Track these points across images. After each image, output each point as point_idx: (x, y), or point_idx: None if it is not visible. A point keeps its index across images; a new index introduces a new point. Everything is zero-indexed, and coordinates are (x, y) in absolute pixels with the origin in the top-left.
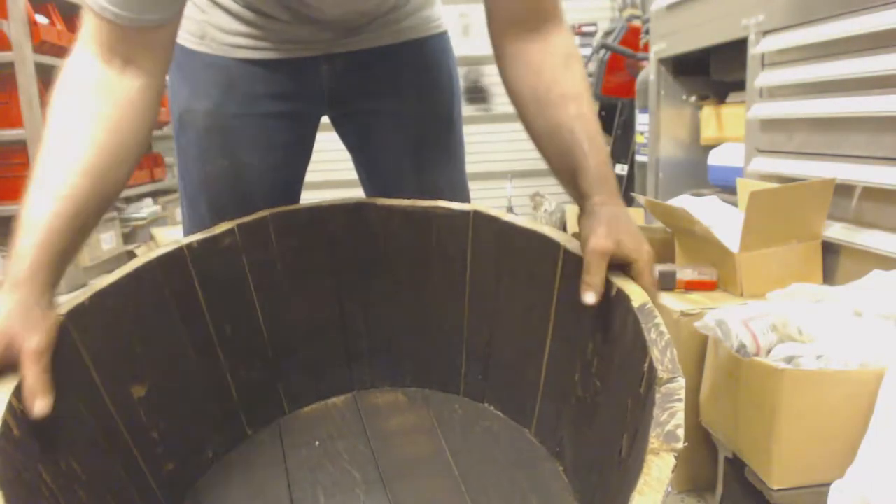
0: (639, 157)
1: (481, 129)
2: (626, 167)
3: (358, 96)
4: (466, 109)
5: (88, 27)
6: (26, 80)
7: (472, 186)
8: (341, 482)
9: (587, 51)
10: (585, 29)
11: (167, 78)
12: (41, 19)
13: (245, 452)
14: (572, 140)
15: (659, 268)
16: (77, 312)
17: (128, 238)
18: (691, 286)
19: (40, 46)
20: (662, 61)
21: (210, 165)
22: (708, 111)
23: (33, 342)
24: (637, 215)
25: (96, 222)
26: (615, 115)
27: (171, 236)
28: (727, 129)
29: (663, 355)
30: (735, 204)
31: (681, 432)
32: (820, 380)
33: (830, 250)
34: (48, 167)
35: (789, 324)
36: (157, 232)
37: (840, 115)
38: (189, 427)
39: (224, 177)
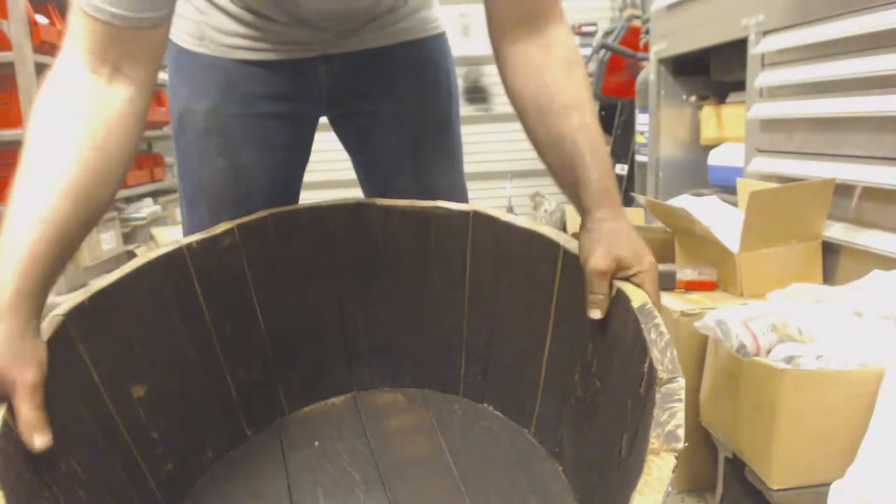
0: (639, 157)
1: (481, 129)
2: (626, 167)
3: (356, 97)
4: (466, 109)
5: (77, 31)
6: (26, 80)
7: (473, 186)
8: (341, 482)
9: (587, 51)
10: (585, 29)
11: (167, 79)
12: (41, 19)
13: (245, 453)
14: (574, 152)
15: (659, 268)
16: (76, 312)
17: (128, 238)
18: (691, 286)
19: (40, 46)
20: (662, 61)
21: (209, 166)
22: (708, 111)
23: (27, 377)
24: (637, 215)
25: (80, 244)
26: (615, 115)
27: (171, 236)
28: (727, 129)
29: (663, 355)
30: (735, 204)
31: (681, 432)
32: (820, 380)
33: (830, 250)
34: (30, 187)
35: (789, 324)
36: (157, 232)
37: (840, 115)
38: (189, 427)
39: (223, 177)
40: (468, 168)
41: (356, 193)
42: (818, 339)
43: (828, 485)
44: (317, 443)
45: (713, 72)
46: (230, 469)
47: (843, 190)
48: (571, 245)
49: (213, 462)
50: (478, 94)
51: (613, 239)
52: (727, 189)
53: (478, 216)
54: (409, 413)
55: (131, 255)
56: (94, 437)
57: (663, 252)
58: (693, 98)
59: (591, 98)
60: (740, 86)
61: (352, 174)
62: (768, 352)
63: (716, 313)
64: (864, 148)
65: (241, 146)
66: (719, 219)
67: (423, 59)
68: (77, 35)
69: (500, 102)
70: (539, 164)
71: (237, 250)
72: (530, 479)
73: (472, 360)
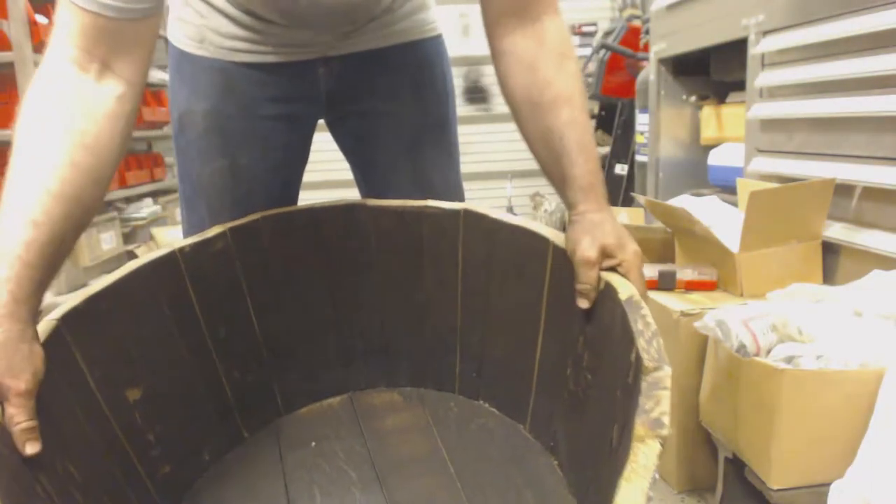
0: (639, 157)
1: (481, 129)
2: (626, 167)
3: (355, 98)
4: (467, 109)
5: (65, 26)
6: (26, 80)
7: (473, 186)
8: (338, 482)
9: (587, 51)
10: (585, 29)
11: (168, 80)
12: (41, 19)
13: (241, 454)
14: (562, 147)
15: (659, 268)
16: (71, 316)
17: (128, 238)
18: (691, 286)
19: (40, 46)
20: (662, 61)
21: (209, 167)
22: (708, 111)
23: (21, 384)
24: (637, 215)
25: (73, 245)
26: (615, 115)
27: (171, 236)
28: (727, 129)
29: (649, 345)
30: (735, 204)
31: (666, 419)
32: (820, 380)
33: (830, 250)
34: (20, 190)
35: (789, 324)
36: (157, 232)
37: (840, 115)
38: (185, 429)
39: (222, 178)
40: (468, 168)
41: (354, 194)
42: (818, 339)
43: (828, 485)
44: (313, 443)
45: (713, 72)
46: (227, 470)
47: (843, 190)
48: (560, 240)
49: (211, 464)
50: (478, 94)
51: (598, 229)
52: (727, 189)
53: (468, 214)
54: (405, 412)
55: (131, 255)
56: (91, 440)
57: (663, 252)
58: (693, 98)
59: (582, 91)
60: (740, 86)
61: (350, 174)
62: (768, 352)
63: (716, 313)
64: (864, 148)
65: (241, 147)
66: (719, 219)
67: (421, 60)
68: (65, 31)
69: (500, 102)
70: None
71: (230, 253)
72: (526, 474)
73: (466, 357)
